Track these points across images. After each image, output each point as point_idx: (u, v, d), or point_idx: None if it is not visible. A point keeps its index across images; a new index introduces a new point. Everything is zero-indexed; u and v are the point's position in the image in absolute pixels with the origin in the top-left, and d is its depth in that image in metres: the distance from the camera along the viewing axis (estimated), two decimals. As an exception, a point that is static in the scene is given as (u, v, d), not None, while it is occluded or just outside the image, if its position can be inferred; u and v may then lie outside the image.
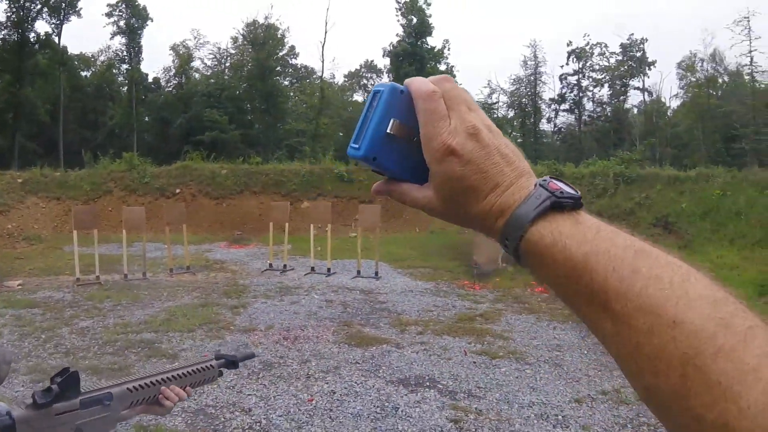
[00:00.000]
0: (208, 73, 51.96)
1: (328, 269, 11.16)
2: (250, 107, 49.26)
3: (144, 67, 52.97)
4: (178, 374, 1.57)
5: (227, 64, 52.99)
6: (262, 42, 48.20)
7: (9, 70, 41.04)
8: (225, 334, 7.31)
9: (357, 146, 0.57)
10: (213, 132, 40.60)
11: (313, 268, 11.35)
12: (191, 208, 17.08)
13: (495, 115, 48.45)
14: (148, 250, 12.38)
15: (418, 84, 0.55)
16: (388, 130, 0.56)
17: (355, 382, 5.56)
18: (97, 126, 47.18)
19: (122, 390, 1.40)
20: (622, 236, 0.48)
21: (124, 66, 49.87)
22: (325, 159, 24.34)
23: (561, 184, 0.52)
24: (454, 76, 49.06)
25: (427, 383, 5.55)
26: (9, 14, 41.91)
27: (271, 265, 12.01)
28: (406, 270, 11.71)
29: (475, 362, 6.15)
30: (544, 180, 0.52)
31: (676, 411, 0.41)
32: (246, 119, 47.18)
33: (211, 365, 1.67)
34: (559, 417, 4.77)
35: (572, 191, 0.51)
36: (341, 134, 48.03)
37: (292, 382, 5.61)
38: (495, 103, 52.53)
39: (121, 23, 47.81)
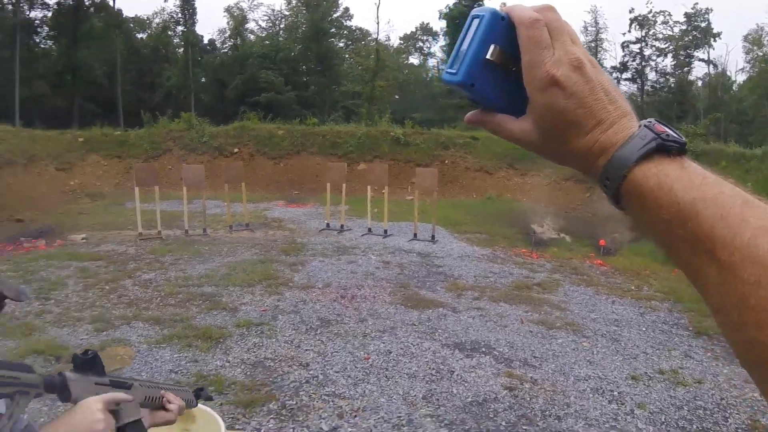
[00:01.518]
0: (263, 35, 52.15)
1: (385, 231, 11.18)
2: (305, 69, 49.27)
3: (199, 29, 53.73)
4: (171, 387, 1.57)
5: (281, 26, 53.05)
6: (316, 3, 47.93)
7: (65, 33, 42.25)
8: (283, 290, 7.42)
9: (454, 71, 0.55)
10: (269, 93, 40.88)
11: (370, 229, 11.41)
12: (249, 167, 17.33)
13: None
14: (207, 207, 12.67)
15: (520, 11, 0.53)
16: (488, 56, 0.54)
17: (411, 344, 5.58)
18: (153, 87, 48.06)
19: (135, 383, 1.41)
20: (729, 185, 0.46)
21: (179, 28, 50.48)
22: (381, 121, 24.22)
23: (666, 128, 0.50)
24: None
25: (483, 349, 5.51)
26: None
27: (328, 224, 12.12)
28: (462, 235, 11.63)
29: (531, 331, 6.07)
30: (649, 121, 0.51)
31: None
32: (301, 81, 47.27)
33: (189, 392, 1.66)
34: (615, 393, 4.66)
35: (677, 136, 0.49)
36: (397, 97, 47.72)
37: (349, 339, 5.67)
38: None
39: None
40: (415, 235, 10.89)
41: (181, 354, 5.35)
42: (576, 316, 6.67)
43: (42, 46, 45.21)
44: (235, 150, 20.22)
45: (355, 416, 4.13)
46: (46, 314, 6.55)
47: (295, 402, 4.36)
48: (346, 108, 42.38)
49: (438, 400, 4.41)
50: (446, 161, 20.14)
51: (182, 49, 49.40)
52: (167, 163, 19.26)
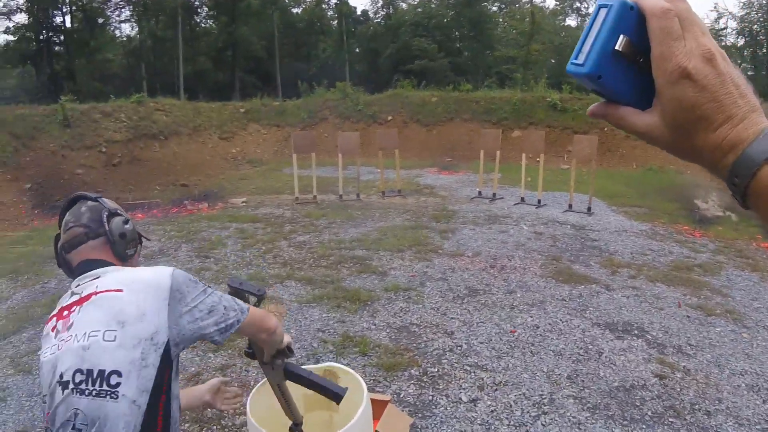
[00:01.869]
0: (415, 3, 51.96)
1: (539, 201, 10.80)
2: (458, 35, 48.54)
3: (352, 1, 54.57)
4: None
5: (434, -8, 52.58)
6: (468, -33, 46.80)
7: (225, 12, 44.84)
8: (433, 257, 7.43)
9: (581, 63, 0.53)
10: (422, 61, 40.88)
11: (522, 199, 11.08)
12: (402, 134, 17.49)
13: (723, 44, 42.57)
14: (361, 173, 12.99)
15: (651, 1, 0.52)
16: (616, 47, 0.52)
17: (560, 320, 5.34)
18: (309, 59, 50.00)
19: None
20: None
21: (333, 1, 51.83)
22: (537, 87, 23.29)
23: None
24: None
25: (635, 331, 5.12)
26: None
27: (480, 192, 11.96)
28: (620, 208, 10.94)
29: (689, 317, 5.51)
30: None
31: None
32: (454, 47, 46.73)
33: None
34: (772, 393, 4.13)
35: None
36: (553, 61, 45.61)
37: (496, 311, 5.56)
38: (723, 29, 46.02)
39: None
40: (570, 206, 10.41)
41: (329, 314, 5.56)
42: (738, 303, 5.96)
43: (203, 25, 48.82)
44: (389, 117, 20.51)
45: (496, 390, 4.04)
46: (205, 272, 7.10)
47: (437, 369, 4.36)
48: (500, 73, 41.19)
49: (583, 381, 4.18)
50: (605, 128, 18.92)
51: (336, 21, 50.81)
52: (323, 131, 19.98)
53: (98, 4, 41.85)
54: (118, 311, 1.35)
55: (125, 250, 1.61)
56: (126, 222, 1.63)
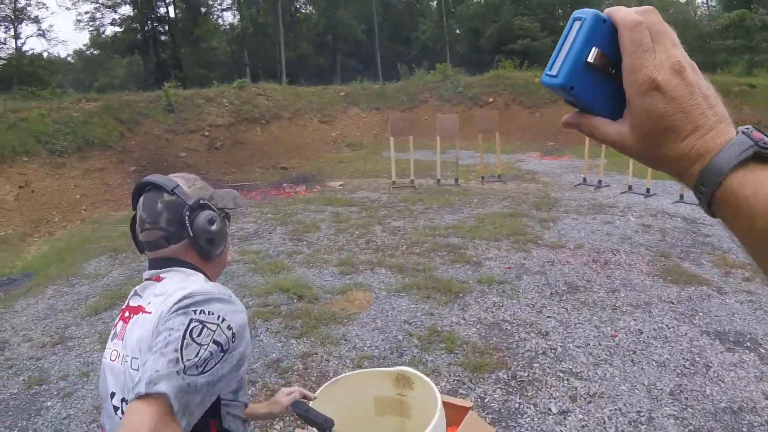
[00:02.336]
0: (516, -20, 50.36)
1: (648, 189, 10.12)
2: (561, 12, 46.53)
3: (451, -20, 53.73)
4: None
5: (536, -32, 50.62)
6: (572, -57, 44.57)
7: None
8: (531, 247, 7.13)
9: (554, 74, 0.55)
10: (524, 40, 39.51)
11: (630, 187, 10.44)
12: (504, 117, 17.04)
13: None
14: (460, 157, 12.77)
15: (623, 13, 0.54)
16: (588, 59, 0.54)
17: (666, 325, 4.88)
18: (409, 41, 49.93)
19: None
20: None
21: (432, -19, 51.15)
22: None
23: (764, 135, 0.50)
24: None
25: (748, 343, 4.55)
26: None
27: (584, 179, 11.41)
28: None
29: None
30: (747, 128, 0.51)
31: None
32: (558, 25, 44.70)
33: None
34: None
35: None
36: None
37: (597, 311, 5.20)
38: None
39: None
40: (682, 196, 9.67)
41: (418, 305, 5.46)
42: None
43: (303, 10, 50.09)
44: (490, 99, 20.03)
45: (590, 402, 3.74)
46: (297, 255, 7.20)
47: (527, 374, 4.13)
48: (607, 52, 39.36)
49: (687, 398, 3.76)
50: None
51: (435, 2, 50.15)
52: (423, 114, 19.83)
53: None
54: (147, 338, 1.23)
55: (212, 251, 1.44)
56: (212, 221, 1.42)
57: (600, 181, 11.05)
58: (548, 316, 5.13)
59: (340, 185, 12.14)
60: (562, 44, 0.55)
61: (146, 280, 1.41)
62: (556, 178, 12.15)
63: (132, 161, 13.76)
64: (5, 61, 35.52)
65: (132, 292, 1.42)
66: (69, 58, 51.87)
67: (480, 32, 45.46)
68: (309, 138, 18.59)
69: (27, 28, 39.94)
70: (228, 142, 16.30)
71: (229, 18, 49.16)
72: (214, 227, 1.42)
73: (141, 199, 1.44)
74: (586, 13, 0.55)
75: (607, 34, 0.54)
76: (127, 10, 42.04)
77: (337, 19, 45.10)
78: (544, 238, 7.56)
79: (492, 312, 5.27)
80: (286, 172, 14.54)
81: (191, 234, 1.38)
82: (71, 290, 6.74)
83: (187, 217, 1.38)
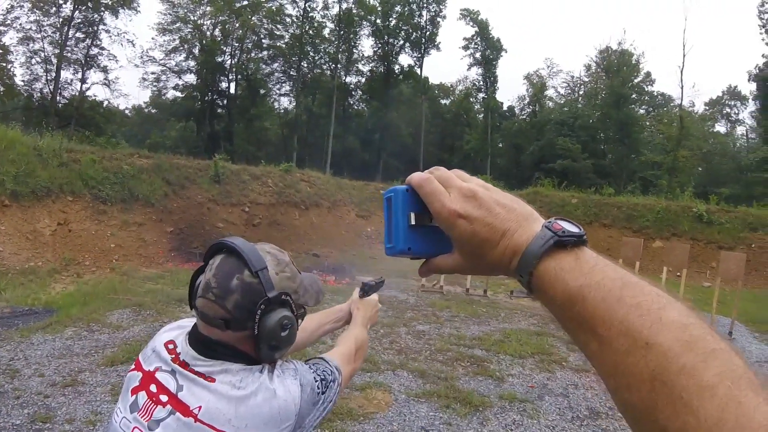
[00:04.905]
0: (561, 101, 52.32)
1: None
2: (603, 136, 47.81)
3: (499, 96, 56.47)
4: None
5: (580, 93, 52.70)
6: (616, 69, 46.53)
7: (377, 97, 48.32)
8: (556, 368, 7.05)
9: (392, 245, 0.68)
10: (565, 160, 40.49)
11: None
12: (536, 233, 17.16)
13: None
14: (490, 269, 12.80)
15: (415, 178, 0.66)
16: (411, 223, 0.67)
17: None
18: (453, 149, 51.64)
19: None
20: (615, 269, 0.54)
21: (480, 95, 53.52)
22: (683, 195, 22.15)
23: (564, 224, 0.58)
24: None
25: None
26: (376, 49, 49.23)
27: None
28: (764, 335, 9.84)
29: None
30: (549, 221, 0.59)
31: (645, 423, 0.46)
32: (598, 148, 45.91)
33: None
34: None
35: (575, 229, 0.58)
36: (701, 169, 43.28)
37: (619, 440, 5.10)
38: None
39: (477, 55, 51.34)
40: (712, 328, 9.51)
41: (437, 413, 5.38)
42: None
43: (355, 107, 52.27)
44: (526, 215, 20.27)
45: None
46: (320, 345, 7.18)
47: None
48: (644, 179, 39.82)
49: None
50: (753, 245, 17.46)
51: (482, 115, 52.16)
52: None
53: (262, 76, 46.46)
54: None
55: (271, 356, 1.23)
56: (285, 326, 1.21)
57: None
58: (569, 440, 5.01)
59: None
60: (387, 220, 0.68)
61: (190, 362, 1.21)
62: (585, 300, 12.04)
63: (171, 222, 14.08)
64: (67, 101, 36.92)
65: (156, 356, 1.27)
66: (127, 112, 54.36)
67: (522, 148, 46.78)
68: (345, 229, 18.91)
69: (94, 75, 41.71)
70: (266, 221, 16.67)
71: (285, 103, 51.56)
72: (284, 333, 1.21)
73: (216, 261, 1.25)
74: (393, 190, 0.68)
75: (415, 198, 0.66)
76: (191, 78, 44.66)
77: (386, 120, 46.91)
78: (569, 360, 7.46)
79: (511, 430, 5.17)
80: (318, 260, 14.72)
81: (255, 332, 1.18)
82: (90, 336, 6.84)
83: (260, 311, 1.18)
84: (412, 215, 0.67)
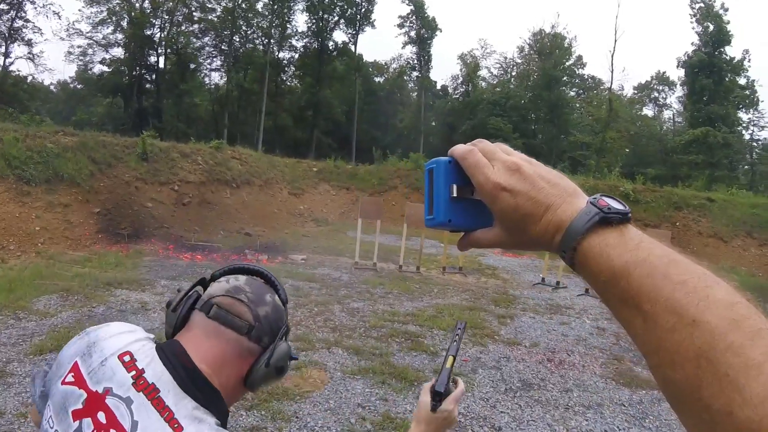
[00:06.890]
0: (494, 82, 53.11)
1: (601, 293, 10.40)
2: (534, 117, 49.11)
3: (432, 75, 56.69)
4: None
5: (513, 74, 53.69)
6: (549, 51, 47.68)
7: (310, 73, 47.75)
8: (488, 342, 7.18)
9: (432, 216, 0.67)
10: (496, 139, 40.24)
11: (587, 290, 10.66)
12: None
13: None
14: (424, 246, 12.93)
15: (458, 149, 0.66)
16: (453, 195, 0.66)
17: (617, 427, 4.94)
18: (387, 127, 51.71)
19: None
20: (661, 247, 0.53)
21: (414, 73, 53.82)
22: (610, 175, 22.97)
23: (610, 201, 0.58)
24: (756, 91, 42.72)
25: None
26: (310, 24, 48.59)
27: (543, 279, 11.66)
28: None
29: None
30: (595, 197, 0.59)
31: (688, 400, 0.45)
32: (529, 129, 47.10)
33: None
34: None
35: (620, 206, 0.57)
36: (628, 150, 45.04)
37: (550, 409, 5.23)
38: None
39: (412, 33, 51.49)
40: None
41: (372, 389, 5.38)
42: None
43: (288, 83, 51.44)
44: (460, 192, 20.59)
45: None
46: None
47: (480, 468, 4.10)
48: (573, 159, 41.15)
49: None
50: (677, 223, 18.36)
51: (416, 93, 52.36)
52: (391, 199, 20.20)
53: (192, 50, 45.08)
54: None
55: (265, 382, 1.14)
56: (291, 358, 1.17)
57: (558, 282, 11.29)
58: (501, 412, 5.12)
59: (302, 259, 12.11)
60: (428, 192, 0.67)
61: (162, 389, 0.97)
62: (516, 276, 12.37)
63: (98, 203, 13.45)
64: (-11, 77, 34.95)
65: (109, 371, 0.99)
66: (52, 87, 52.16)
67: (455, 127, 47.32)
68: (277, 208, 18.65)
69: (18, 49, 39.44)
70: (196, 199, 16.21)
71: (216, 78, 50.26)
72: (285, 364, 1.15)
73: (243, 277, 1.17)
74: (436, 161, 0.67)
75: (457, 169, 0.65)
76: (118, 52, 42.94)
77: (319, 97, 46.40)
78: (500, 333, 7.62)
79: (446, 402, 5.22)
80: (250, 239, 14.48)
81: (271, 352, 1.10)
82: (17, 324, 6.49)
83: (280, 334, 1.14)
84: (454, 187, 0.66)
